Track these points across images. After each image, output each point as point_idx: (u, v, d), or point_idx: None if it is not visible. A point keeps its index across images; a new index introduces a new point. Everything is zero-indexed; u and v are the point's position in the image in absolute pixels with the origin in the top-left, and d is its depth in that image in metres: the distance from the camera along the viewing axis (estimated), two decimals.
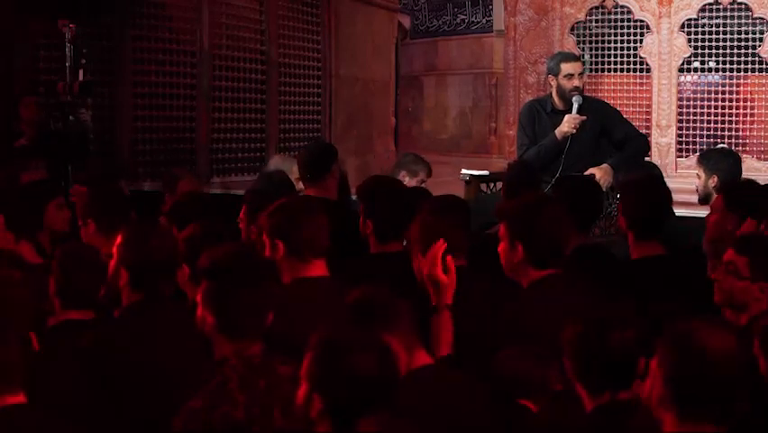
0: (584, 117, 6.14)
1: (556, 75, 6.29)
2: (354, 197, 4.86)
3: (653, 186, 4.33)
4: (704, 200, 5.35)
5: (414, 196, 4.56)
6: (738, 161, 5.69)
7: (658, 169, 5.64)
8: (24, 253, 4.32)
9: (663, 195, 4.29)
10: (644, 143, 6.58)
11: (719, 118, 10.94)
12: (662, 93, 11.14)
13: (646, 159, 6.90)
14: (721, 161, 5.47)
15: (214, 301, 2.87)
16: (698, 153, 7.06)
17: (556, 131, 6.16)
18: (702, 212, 5.05)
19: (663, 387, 2.35)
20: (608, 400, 2.61)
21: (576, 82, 6.24)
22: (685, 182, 5.66)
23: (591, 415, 2.64)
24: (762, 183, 4.92)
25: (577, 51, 10.55)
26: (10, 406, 2.52)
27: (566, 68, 6.28)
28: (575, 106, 6.17)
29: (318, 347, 2.51)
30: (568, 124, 6.12)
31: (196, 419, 2.64)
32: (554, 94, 6.33)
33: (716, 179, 5.30)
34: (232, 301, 2.84)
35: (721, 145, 9.98)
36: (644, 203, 4.13)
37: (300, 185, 5.57)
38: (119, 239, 3.37)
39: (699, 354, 2.33)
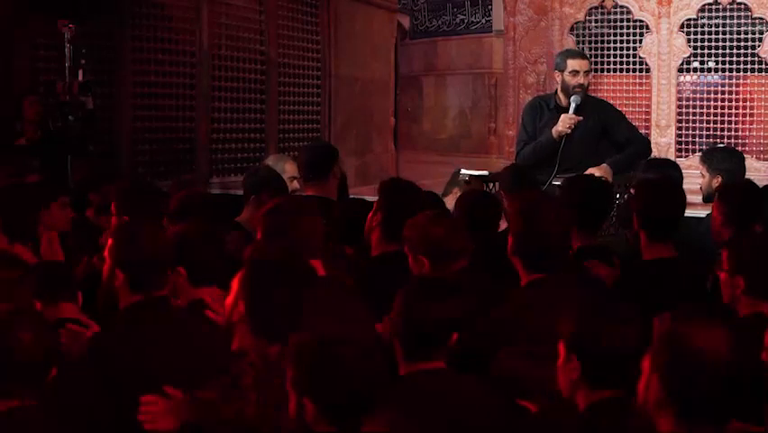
0: (580, 118, 6.15)
1: (562, 71, 6.31)
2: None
3: (669, 187, 4.31)
4: (707, 199, 5.35)
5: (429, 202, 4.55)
6: (742, 161, 5.68)
7: (679, 169, 5.61)
8: (20, 254, 4.29)
9: (679, 196, 4.26)
10: (646, 147, 6.57)
11: (719, 118, 10.96)
12: (661, 93, 11.16)
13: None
14: (725, 161, 5.46)
15: (252, 292, 2.87)
16: (700, 152, 7.04)
17: (552, 130, 6.18)
18: (703, 211, 5.06)
19: (660, 389, 2.34)
20: (606, 396, 2.61)
21: (581, 79, 6.25)
22: (685, 182, 5.64)
23: (586, 412, 2.64)
24: (762, 183, 4.93)
25: None
26: (15, 407, 2.53)
27: (572, 64, 6.29)
28: (572, 106, 6.19)
29: (298, 353, 2.49)
30: (563, 123, 6.14)
31: (207, 412, 2.63)
32: (559, 90, 6.35)
33: (719, 179, 5.30)
34: (269, 297, 2.85)
35: (722, 144, 9.98)
36: (659, 204, 4.10)
37: (294, 184, 5.56)
38: (110, 241, 3.36)
39: (693, 354, 2.31)
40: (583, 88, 6.27)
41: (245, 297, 2.88)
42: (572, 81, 6.25)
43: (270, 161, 6.15)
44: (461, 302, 3.00)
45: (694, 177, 5.59)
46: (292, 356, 2.50)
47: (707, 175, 5.38)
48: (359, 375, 2.43)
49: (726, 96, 10.93)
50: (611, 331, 2.60)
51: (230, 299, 2.92)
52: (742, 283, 3.32)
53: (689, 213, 4.81)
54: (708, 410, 2.32)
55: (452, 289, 3.05)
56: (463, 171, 6.19)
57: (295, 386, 2.48)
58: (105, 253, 3.34)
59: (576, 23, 11.53)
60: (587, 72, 6.32)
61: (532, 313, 3.34)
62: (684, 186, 4.70)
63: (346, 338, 2.51)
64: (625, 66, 11.30)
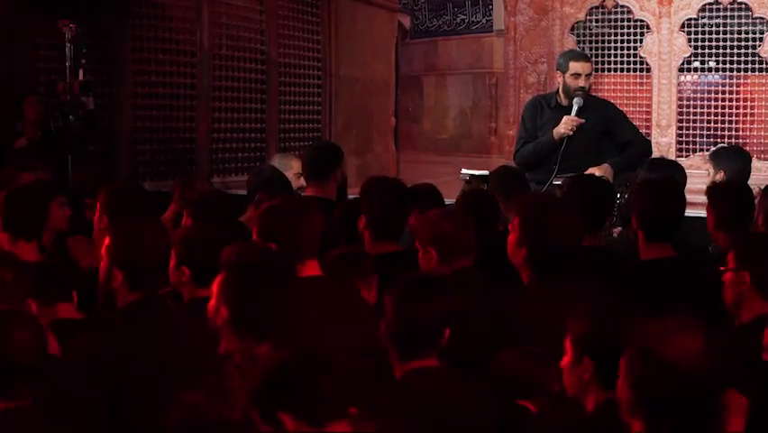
0: (582, 120, 6.15)
1: (564, 72, 6.31)
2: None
3: (667, 187, 4.29)
4: None
5: (417, 197, 4.56)
6: (747, 160, 5.70)
7: (682, 170, 5.61)
8: (22, 252, 4.29)
9: (680, 198, 4.25)
10: (647, 148, 6.57)
11: (719, 118, 10.96)
12: (662, 93, 11.16)
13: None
14: (729, 158, 5.50)
15: (232, 295, 2.86)
16: (700, 152, 7.08)
17: (554, 131, 6.18)
18: (703, 212, 5.05)
19: (630, 394, 2.32)
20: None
21: (582, 82, 6.26)
22: (687, 182, 5.65)
23: (595, 412, 2.64)
24: (762, 183, 4.93)
25: None
26: (11, 408, 2.53)
27: (574, 66, 6.30)
28: (575, 108, 6.19)
29: (266, 375, 2.42)
30: (565, 125, 6.14)
31: (191, 415, 2.62)
32: (560, 90, 6.35)
33: (722, 174, 5.32)
34: (251, 299, 2.84)
35: (724, 145, 9.98)
36: (656, 204, 4.09)
37: (301, 181, 5.58)
38: (107, 240, 3.35)
39: (659, 359, 2.26)
40: (584, 91, 6.27)
41: (226, 300, 2.87)
42: (574, 84, 6.26)
43: (276, 159, 6.18)
44: (450, 300, 3.00)
45: (695, 177, 5.60)
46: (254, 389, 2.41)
47: (711, 171, 5.41)
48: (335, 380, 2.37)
49: (727, 95, 10.93)
50: (626, 332, 2.59)
51: (212, 303, 2.91)
52: (747, 279, 3.32)
53: (691, 213, 4.82)
54: (676, 419, 2.29)
55: (439, 287, 3.05)
56: (464, 171, 6.18)
57: (265, 406, 2.39)
58: (102, 252, 3.33)
59: (577, 23, 11.53)
60: (588, 75, 6.33)
61: (540, 311, 3.34)
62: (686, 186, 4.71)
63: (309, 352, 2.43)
64: (625, 66, 11.30)
